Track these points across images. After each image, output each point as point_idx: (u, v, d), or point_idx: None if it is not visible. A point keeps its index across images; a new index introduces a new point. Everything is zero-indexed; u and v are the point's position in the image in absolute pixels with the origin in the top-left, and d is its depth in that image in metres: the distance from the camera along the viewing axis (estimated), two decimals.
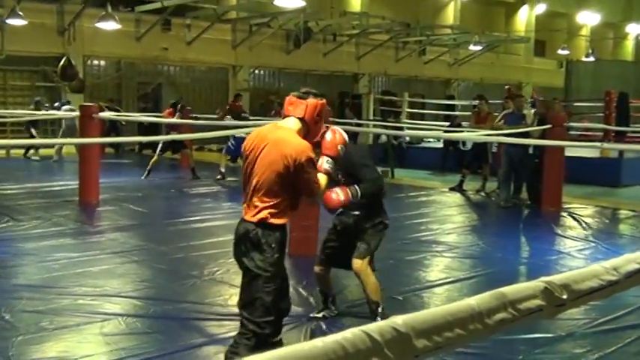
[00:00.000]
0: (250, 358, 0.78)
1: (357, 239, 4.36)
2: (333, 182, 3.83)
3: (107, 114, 11.69)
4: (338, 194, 3.91)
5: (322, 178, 3.27)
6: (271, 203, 3.16)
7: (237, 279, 5.18)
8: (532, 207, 9.77)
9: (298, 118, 3.23)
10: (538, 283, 1.05)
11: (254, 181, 3.18)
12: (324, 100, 3.35)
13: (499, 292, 1.00)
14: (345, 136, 3.41)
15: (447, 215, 9.40)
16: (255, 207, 3.17)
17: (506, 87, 14.55)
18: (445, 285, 5.66)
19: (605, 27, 31.98)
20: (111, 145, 16.27)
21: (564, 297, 1.05)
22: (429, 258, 6.68)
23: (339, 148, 3.32)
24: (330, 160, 3.31)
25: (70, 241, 6.88)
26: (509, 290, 1.02)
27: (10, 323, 4.33)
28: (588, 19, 29.40)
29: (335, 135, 3.34)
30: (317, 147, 3.34)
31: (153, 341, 4.12)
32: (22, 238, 6.85)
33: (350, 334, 0.83)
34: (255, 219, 3.16)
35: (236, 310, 4.61)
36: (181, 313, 4.60)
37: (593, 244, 7.34)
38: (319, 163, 3.28)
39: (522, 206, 9.95)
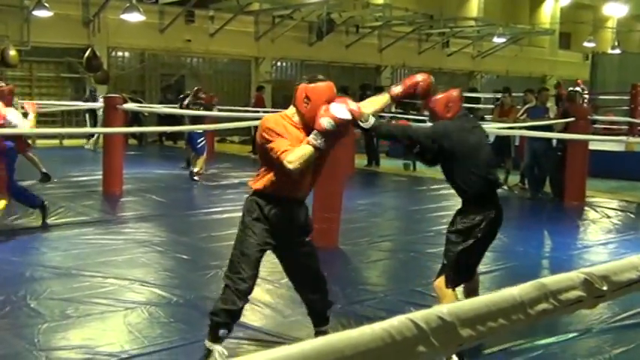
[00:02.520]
0: (303, 343, 0.80)
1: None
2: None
3: (130, 105, 11.78)
4: (342, 106, 3.30)
5: (302, 148, 3.24)
6: (262, 174, 3.47)
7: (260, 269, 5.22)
8: (555, 200, 9.69)
9: (293, 103, 3.42)
10: (578, 274, 1.05)
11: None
12: (317, 85, 3.36)
13: (540, 283, 1.01)
14: (339, 112, 3.23)
15: None
16: (255, 177, 3.56)
17: (556, 82, 14.36)
18: (514, 286, 5.63)
19: (633, 19, 31.45)
20: (134, 136, 16.40)
21: (604, 288, 1.05)
22: None
23: (323, 121, 3.22)
24: (318, 133, 3.24)
25: (93, 230, 6.96)
26: (550, 281, 1.02)
27: (35, 310, 4.41)
28: (615, 10, 28.91)
29: (325, 109, 3.27)
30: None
31: (175, 330, 4.18)
32: (48, 227, 6.95)
33: (397, 321, 0.84)
34: (252, 185, 3.54)
35: (257, 299, 4.66)
36: (203, 302, 4.64)
37: (616, 239, 7.27)
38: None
39: (545, 200, 9.87)
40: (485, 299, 0.95)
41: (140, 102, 15.93)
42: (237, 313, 3.49)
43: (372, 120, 3.52)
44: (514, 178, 10.79)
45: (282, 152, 3.24)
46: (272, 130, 3.31)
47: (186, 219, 7.91)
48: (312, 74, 3.49)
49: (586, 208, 9.04)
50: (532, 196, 9.88)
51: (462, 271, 3.80)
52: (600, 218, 8.40)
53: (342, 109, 3.27)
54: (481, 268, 5.86)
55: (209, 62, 20.57)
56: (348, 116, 3.28)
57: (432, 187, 11.02)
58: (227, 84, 20.61)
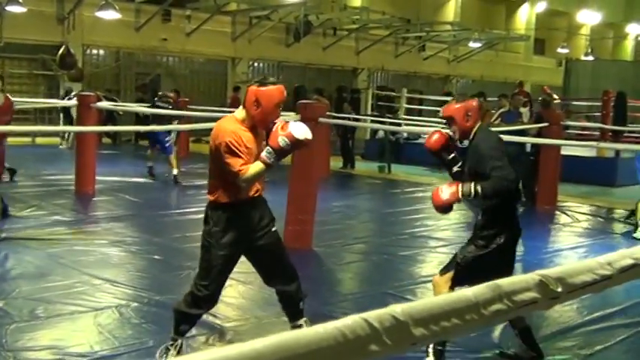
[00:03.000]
0: (255, 341, 0.79)
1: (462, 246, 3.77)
2: (457, 177, 3.65)
3: (104, 104, 11.65)
4: (443, 191, 3.51)
5: (255, 166, 3.29)
6: (215, 185, 3.46)
7: (234, 271, 5.20)
8: (527, 205, 9.79)
9: (243, 105, 3.38)
10: (533, 276, 1.06)
11: (209, 167, 3.54)
12: (269, 88, 3.31)
13: (495, 284, 1.02)
14: (297, 131, 3.22)
15: None
16: (209, 188, 3.53)
17: (518, 81, 14.53)
18: (470, 287, 5.67)
19: (605, 26, 31.98)
20: (108, 135, 16.25)
21: (559, 290, 1.07)
22: (424, 253, 6.70)
23: (279, 140, 3.22)
24: (271, 150, 3.25)
25: (65, 230, 6.88)
26: (505, 282, 1.04)
27: (3, 310, 4.34)
28: (588, 18, 29.38)
29: (281, 126, 3.26)
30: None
31: (146, 331, 4.14)
32: (18, 226, 6.84)
33: (350, 320, 0.85)
34: (209, 198, 3.53)
35: (230, 300, 4.64)
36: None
37: (587, 243, 7.37)
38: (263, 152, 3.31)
39: (518, 204, 9.96)
40: (439, 299, 0.96)
41: (115, 100, 15.79)
42: (192, 318, 3.58)
43: (471, 188, 3.44)
44: None
45: (239, 170, 3.27)
46: (227, 144, 3.28)
47: (160, 219, 7.85)
48: (262, 75, 3.51)
49: (557, 212, 9.15)
50: None
51: (472, 277, 3.65)
52: (571, 222, 8.51)
53: (301, 129, 3.24)
54: None
55: (185, 62, 20.45)
56: (308, 136, 3.25)
57: (407, 189, 11.08)
58: (203, 84, 20.51)
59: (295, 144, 3.24)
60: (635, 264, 1.16)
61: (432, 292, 3.76)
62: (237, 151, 3.27)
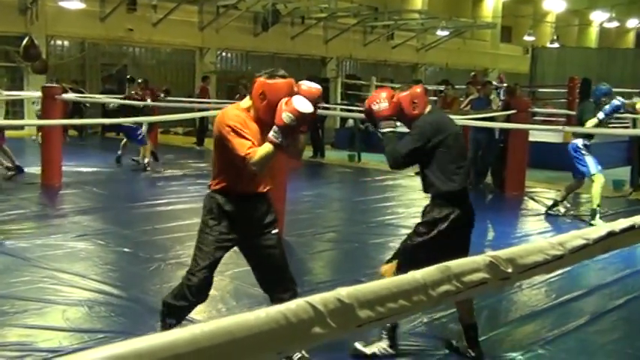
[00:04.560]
0: (194, 326, 0.79)
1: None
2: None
3: (70, 95, 11.48)
4: (381, 99, 3.66)
5: (263, 147, 3.15)
6: (219, 173, 3.38)
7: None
8: (496, 191, 9.90)
9: (249, 95, 3.35)
10: (484, 257, 1.07)
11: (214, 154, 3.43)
12: (277, 81, 3.24)
13: (444, 266, 1.03)
14: (301, 105, 3.09)
15: (412, 199, 9.47)
16: (212, 175, 3.44)
17: (472, 74, 14.67)
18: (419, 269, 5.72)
19: (570, 14, 32.37)
20: (74, 127, 16.01)
21: (509, 270, 1.08)
22: (394, 241, 6.71)
23: (283, 117, 3.09)
24: (277, 128, 3.11)
25: (31, 224, 6.77)
26: (455, 264, 1.05)
27: None
28: (553, 5, 29.73)
29: (285, 102, 3.13)
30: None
31: (116, 325, 4.10)
32: None
33: (294, 304, 0.85)
34: (210, 184, 3.45)
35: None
36: (145, 296, 4.57)
37: (554, 228, 7.48)
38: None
39: (487, 190, 10.08)
40: (387, 281, 0.97)
41: (82, 92, 15.56)
42: (179, 311, 3.44)
43: (387, 129, 3.63)
44: None
45: (247, 153, 3.15)
46: (232, 128, 3.19)
47: (129, 211, 7.77)
48: (273, 69, 3.35)
49: (525, 198, 9.27)
50: (474, 187, 10.05)
51: (416, 265, 3.72)
52: (539, 208, 8.62)
53: (304, 103, 3.12)
54: None
55: (152, 52, 20.21)
56: (310, 109, 3.12)
57: (377, 178, 11.12)
58: (170, 74, 20.30)
59: (300, 119, 3.10)
60: (587, 244, 1.18)
61: None
62: (243, 134, 3.18)
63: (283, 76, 3.30)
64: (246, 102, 3.36)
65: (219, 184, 3.37)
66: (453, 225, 3.57)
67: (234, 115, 3.27)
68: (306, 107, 3.12)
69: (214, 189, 3.40)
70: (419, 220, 3.68)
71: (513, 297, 4.88)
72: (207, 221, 3.39)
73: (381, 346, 3.63)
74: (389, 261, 3.67)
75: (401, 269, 3.46)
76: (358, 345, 3.62)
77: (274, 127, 3.14)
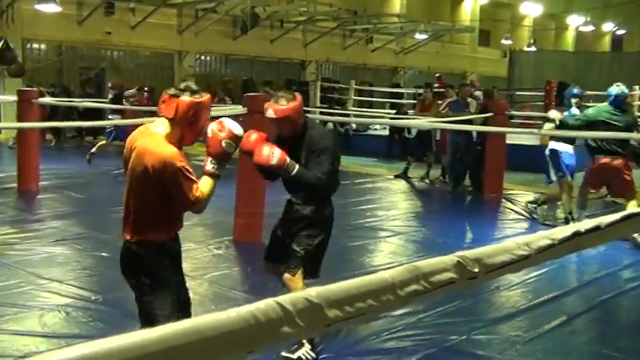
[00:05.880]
0: (165, 326, 0.80)
1: (292, 240, 3.79)
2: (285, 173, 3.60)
3: (47, 99, 11.40)
4: (272, 153, 3.45)
5: (206, 184, 2.85)
6: (147, 221, 2.88)
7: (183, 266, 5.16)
8: (474, 194, 9.98)
9: (169, 119, 2.83)
10: (452, 257, 1.10)
11: (127, 198, 2.92)
12: (204, 98, 2.88)
13: (413, 266, 1.05)
14: (235, 128, 2.91)
15: (391, 202, 9.53)
16: (131, 224, 2.91)
17: (437, 75, 14.75)
18: (388, 269, 5.75)
19: (547, 18, 32.74)
20: (52, 131, 15.86)
21: (476, 270, 1.10)
22: (374, 243, 6.77)
23: (223, 144, 2.85)
24: (214, 160, 2.88)
25: (7, 229, 6.70)
26: (423, 264, 1.07)
27: None
28: (531, 9, 30.04)
29: (220, 128, 2.88)
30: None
31: (94, 330, 4.08)
32: None
33: (263, 304, 0.87)
34: (132, 238, 2.92)
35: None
36: (124, 301, 4.53)
37: (532, 229, 7.55)
38: (204, 163, 2.91)
39: (465, 193, 10.16)
40: (355, 281, 0.99)
41: (59, 96, 15.42)
42: None
43: (295, 168, 3.54)
44: (435, 172, 11.06)
45: (196, 196, 2.79)
46: (182, 170, 2.76)
47: (107, 216, 7.70)
48: (186, 83, 2.95)
49: (503, 200, 9.35)
50: (453, 190, 10.14)
51: (317, 264, 3.85)
52: (517, 210, 8.70)
53: (235, 124, 2.94)
54: (402, 259, 6.01)
55: (130, 55, 20.09)
56: (241, 130, 2.96)
57: (357, 180, 11.15)
58: (149, 78, 20.18)
59: (237, 142, 2.94)
60: (552, 244, 1.21)
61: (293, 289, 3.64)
62: (190, 175, 2.78)
63: (203, 91, 2.93)
64: (164, 127, 2.85)
65: (154, 233, 2.89)
66: (332, 220, 3.91)
67: (174, 152, 2.78)
68: (239, 129, 2.94)
69: (147, 240, 2.89)
70: (301, 224, 3.79)
71: (490, 298, 4.93)
72: (163, 279, 2.92)
73: (304, 351, 3.66)
74: (292, 269, 3.72)
75: (307, 272, 3.75)
76: (284, 353, 3.64)
77: (210, 158, 2.88)
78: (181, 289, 3.02)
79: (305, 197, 3.80)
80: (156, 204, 2.84)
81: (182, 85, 2.91)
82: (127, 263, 3.00)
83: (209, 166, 2.88)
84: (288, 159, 3.51)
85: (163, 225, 2.91)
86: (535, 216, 8.01)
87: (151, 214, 2.87)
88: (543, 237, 1.22)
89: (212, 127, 2.89)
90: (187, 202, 2.80)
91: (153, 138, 2.82)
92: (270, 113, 3.62)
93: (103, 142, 10.89)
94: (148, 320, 2.88)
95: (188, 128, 2.86)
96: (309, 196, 3.78)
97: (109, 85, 12.15)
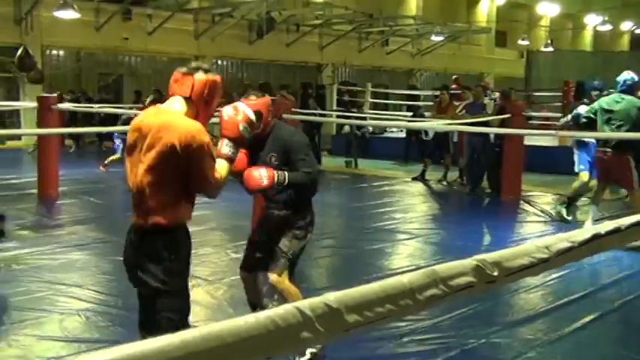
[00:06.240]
0: (183, 332, 0.80)
1: (276, 243, 3.71)
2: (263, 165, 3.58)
3: (66, 105, 11.52)
4: (261, 175, 3.44)
5: (222, 166, 2.76)
6: (165, 203, 2.70)
7: (199, 271, 5.18)
8: (492, 195, 9.92)
9: (184, 97, 2.76)
10: (470, 261, 1.09)
11: (142, 179, 2.70)
12: (217, 77, 2.83)
13: (431, 270, 1.04)
14: (251, 113, 2.89)
15: (409, 204, 9.50)
16: (147, 210, 2.72)
17: (454, 77, 14.72)
18: (406, 273, 5.73)
19: (564, 18, 32.52)
20: (71, 137, 16.02)
21: (495, 274, 1.09)
22: (391, 246, 6.75)
23: (240, 127, 2.80)
24: (230, 142, 2.81)
25: (28, 234, 6.77)
26: (442, 268, 1.06)
27: None
28: (548, 9, 29.85)
29: (235, 112, 2.84)
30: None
31: (113, 334, 4.10)
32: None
33: (282, 309, 0.87)
34: (147, 223, 2.72)
35: (199, 300, 4.62)
36: None
37: (551, 231, 7.49)
38: (218, 147, 2.81)
39: (483, 195, 10.10)
40: (374, 286, 0.98)
41: (85, 102, 15.58)
42: None
43: (285, 177, 3.50)
44: (453, 174, 11.02)
45: (215, 178, 2.70)
46: (208, 146, 2.66)
47: (125, 221, 7.68)
48: (197, 62, 2.92)
49: (522, 202, 9.29)
50: (470, 192, 10.10)
51: (293, 267, 3.84)
52: (535, 212, 8.64)
53: (249, 109, 2.93)
54: (420, 262, 5.99)
55: (148, 61, 20.24)
56: (254, 116, 2.97)
57: (374, 184, 11.14)
58: (167, 83, 20.22)
59: (252, 128, 2.90)
60: (572, 247, 1.19)
61: (283, 294, 3.67)
62: (213, 154, 2.69)
63: (212, 70, 2.88)
64: (181, 105, 2.77)
65: (168, 216, 2.71)
66: (313, 225, 3.92)
67: (200, 126, 2.68)
68: (252, 113, 2.92)
69: (170, 225, 2.71)
70: (285, 226, 3.76)
71: (509, 301, 4.90)
72: (176, 271, 2.78)
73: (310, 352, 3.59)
74: (278, 270, 3.68)
75: (290, 273, 3.76)
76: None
77: (226, 140, 2.81)
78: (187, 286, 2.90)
79: (285, 203, 3.74)
80: (177, 183, 2.69)
81: (194, 64, 2.84)
82: (137, 250, 2.79)
83: (225, 149, 2.79)
84: (275, 173, 3.47)
85: (182, 207, 2.74)
86: (569, 217, 7.88)
87: (171, 195, 2.70)
88: (563, 239, 1.21)
89: (226, 111, 2.85)
90: (206, 182, 2.68)
91: (173, 115, 2.72)
92: None
93: (117, 156, 10.96)
94: (154, 313, 2.80)
95: (203, 107, 2.77)
96: (290, 201, 3.73)
97: (154, 88, 12.25)
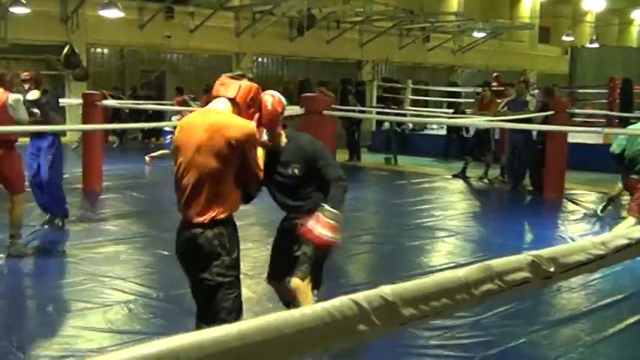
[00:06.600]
0: (239, 322, 0.80)
1: (299, 249, 3.50)
2: (282, 178, 3.43)
3: (110, 102, 11.72)
4: (329, 232, 3.21)
5: (260, 155, 3.02)
6: (220, 197, 2.85)
7: (241, 265, 5.22)
8: (534, 193, 9.78)
9: (229, 99, 2.92)
10: (526, 256, 1.07)
11: (195, 176, 2.86)
12: (258, 88, 3.05)
13: (486, 265, 1.03)
14: (284, 99, 3.13)
15: (449, 202, 9.42)
16: (202, 205, 2.86)
17: (495, 74, 14.52)
18: (446, 270, 5.68)
19: (610, 13, 31.80)
20: (115, 133, 16.30)
21: (551, 270, 1.07)
22: (431, 243, 6.70)
23: (280, 119, 3.13)
24: (268, 132, 3.09)
25: (73, 227, 6.91)
26: (497, 263, 1.05)
27: (14, 308, 4.37)
28: (593, 5, 29.24)
29: (278, 101, 3.13)
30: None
31: (154, 326, 4.17)
32: (26, 225, 6.87)
33: (338, 302, 0.86)
34: (203, 219, 2.86)
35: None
36: (184, 298, 4.62)
37: (595, 230, 7.35)
38: (259, 136, 3.06)
39: (525, 193, 9.96)
40: (430, 280, 0.97)
41: (121, 99, 15.84)
42: None
43: (333, 208, 3.28)
44: (494, 172, 10.88)
45: (261, 172, 2.97)
46: (255, 141, 2.92)
47: (167, 215, 7.83)
48: (242, 70, 3.13)
49: (565, 200, 9.13)
50: (512, 189, 9.96)
51: (320, 276, 3.63)
52: (579, 210, 8.48)
53: (282, 97, 3.26)
54: (460, 260, 5.93)
55: (189, 58, 20.46)
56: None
57: (413, 180, 11.07)
58: (208, 80, 20.49)
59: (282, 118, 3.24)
60: (630, 244, 1.16)
61: (300, 300, 3.45)
62: (256, 149, 2.98)
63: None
64: (226, 105, 2.93)
65: (222, 210, 2.85)
66: None
67: (252, 125, 2.90)
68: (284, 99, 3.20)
69: (224, 218, 2.86)
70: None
71: (552, 299, 4.82)
72: (234, 264, 2.93)
73: None
74: (302, 276, 3.45)
75: (315, 279, 3.51)
76: None
77: (265, 130, 3.09)
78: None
79: (309, 211, 3.44)
80: (231, 179, 2.84)
81: (239, 72, 3.06)
82: (195, 245, 2.89)
83: (265, 137, 3.06)
84: (333, 213, 3.25)
85: (236, 201, 2.92)
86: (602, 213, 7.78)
87: (227, 189, 2.85)
88: (620, 236, 1.18)
89: (268, 97, 3.07)
90: (257, 176, 2.90)
91: (224, 114, 2.88)
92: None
93: (166, 152, 11.03)
94: (214, 305, 2.87)
95: (245, 110, 2.93)
96: (314, 209, 3.43)
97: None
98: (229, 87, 2.92)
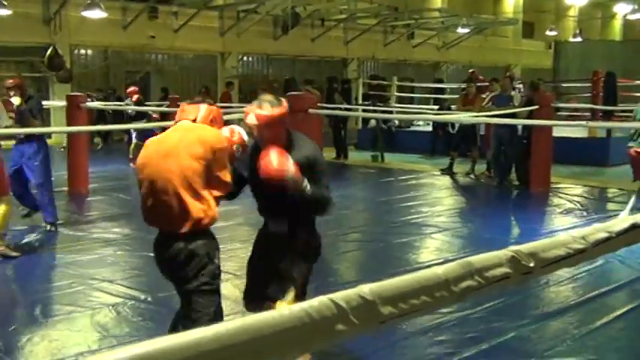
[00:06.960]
0: (219, 324, 0.80)
1: (282, 269, 3.23)
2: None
3: (94, 103, 11.66)
4: (286, 166, 2.95)
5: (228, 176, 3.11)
6: (201, 206, 2.90)
7: (228, 265, 5.21)
8: (521, 188, 9.83)
9: (192, 120, 3.07)
10: (505, 252, 1.07)
11: (175, 187, 2.87)
12: (218, 110, 3.21)
13: (466, 261, 1.03)
14: (245, 137, 3.16)
15: (436, 198, 9.45)
16: (182, 215, 2.87)
17: (470, 70, 14.58)
18: (434, 266, 5.70)
19: (593, 7, 31.98)
20: (99, 135, 16.20)
21: (531, 265, 1.08)
22: (419, 240, 6.72)
23: (234, 147, 3.10)
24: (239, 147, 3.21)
25: (60, 230, 6.86)
26: (477, 259, 1.05)
27: (0, 313, 4.33)
28: None
29: (232, 133, 3.16)
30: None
31: (143, 328, 4.15)
32: (12, 229, 6.82)
33: (316, 302, 0.86)
34: (184, 229, 2.88)
35: (226, 294, 4.64)
36: (171, 300, 4.60)
37: (581, 223, 7.39)
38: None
39: (511, 187, 10.01)
40: (409, 278, 0.97)
41: (107, 100, 15.75)
42: None
43: (308, 186, 3.07)
44: (480, 167, 10.93)
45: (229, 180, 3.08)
46: (225, 145, 3.06)
47: None
48: (200, 96, 3.32)
49: (551, 194, 9.18)
50: (498, 184, 10.01)
51: (304, 294, 3.30)
52: (565, 204, 8.53)
53: (243, 131, 3.23)
54: (448, 256, 5.95)
55: (174, 58, 20.38)
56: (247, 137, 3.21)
57: (400, 177, 11.10)
58: (193, 80, 20.45)
59: (244, 148, 3.22)
60: (609, 237, 1.17)
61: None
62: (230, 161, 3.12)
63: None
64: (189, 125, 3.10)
65: (202, 219, 2.91)
66: (320, 250, 3.47)
67: (222, 133, 3.10)
68: (246, 136, 3.23)
69: (204, 227, 2.94)
70: (293, 249, 3.27)
71: (540, 293, 4.85)
72: (217, 272, 3.05)
73: None
74: (284, 296, 3.20)
75: (298, 296, 3.20)
76: None
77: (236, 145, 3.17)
78: None
79: (291, 224, 3.25)
80: (208, 186, 2.93)
81: (197, 98, 3.33)
82: (175, 255, 2.91)
83: (236, 147, 3.16)
84: (302, 178, 3.02)
85: (213, 208, 2.95)
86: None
87: (205, 198, 2.90)
88: (600, 230, 1.19)
89: (226, 130, 3.14)
90: (228, 185, 2.98)
91: (196, 125, 3.04)
92: (250, 119, 3.08)
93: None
94: (196, 311, 2.96)
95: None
96: (297, 222, 3.26)
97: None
98: (190, 112, 3.08)
